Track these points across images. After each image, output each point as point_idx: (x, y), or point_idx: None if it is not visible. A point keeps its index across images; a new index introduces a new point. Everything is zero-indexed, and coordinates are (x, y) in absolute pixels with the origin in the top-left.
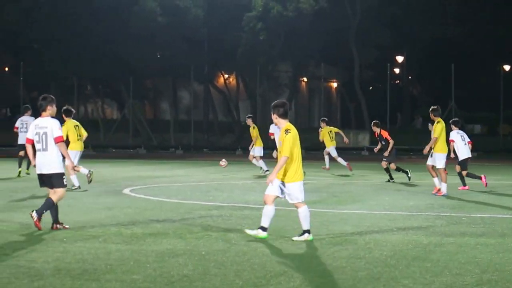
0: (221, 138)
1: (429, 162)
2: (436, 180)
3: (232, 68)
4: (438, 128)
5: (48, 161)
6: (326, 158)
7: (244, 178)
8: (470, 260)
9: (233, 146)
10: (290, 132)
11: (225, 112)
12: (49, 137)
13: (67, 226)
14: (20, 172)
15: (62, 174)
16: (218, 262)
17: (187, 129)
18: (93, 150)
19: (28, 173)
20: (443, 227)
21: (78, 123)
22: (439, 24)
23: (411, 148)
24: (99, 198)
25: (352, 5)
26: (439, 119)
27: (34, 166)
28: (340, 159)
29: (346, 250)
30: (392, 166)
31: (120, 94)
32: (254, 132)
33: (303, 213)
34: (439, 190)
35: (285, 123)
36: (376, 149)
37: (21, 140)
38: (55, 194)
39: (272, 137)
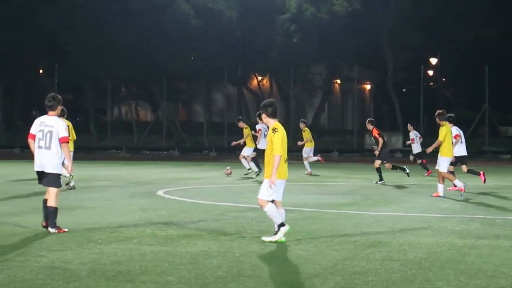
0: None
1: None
2: (457, 181)
3: (266, 70)
4: (443, 131)
5: (50, 160)
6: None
7: None
8: (504, 262)
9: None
10: (277, 131)
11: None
12: (53, 137)
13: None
14: None
15: (60, 175)
16: (252, 264)
17: (221, 131)
18: (127, 152)
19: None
20: (477, 229)
21: (70, 124)
22: (473, 25)
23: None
24: (133, 200)
25: (385, 7)
26: (445, 122)
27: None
28: (310, 160)
29: (380, 252)
30: (388, 165)
31: (153, 96)
32: (246, 132)
33: (269, 211)
34: (457, 187)
35: (273, 123)
36: (375, 151)
37: None
38: (50, 196)
39: (258, 133)
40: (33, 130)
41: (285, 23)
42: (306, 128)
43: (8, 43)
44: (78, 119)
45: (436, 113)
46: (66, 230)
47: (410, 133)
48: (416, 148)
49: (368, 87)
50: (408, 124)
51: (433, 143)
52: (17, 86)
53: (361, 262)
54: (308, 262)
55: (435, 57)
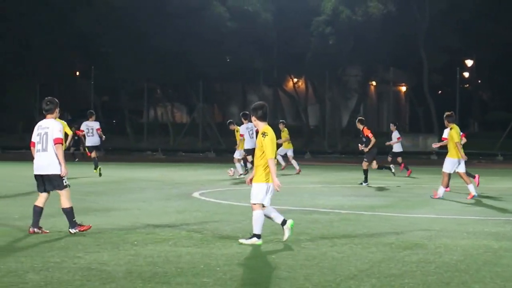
0: None
1: (460, 169)
2: (470, 186)
3: (301, 72)
4: (454, 133)
5: (47, 162)
6: (294, 162)
7: (314, 182)
8: None
9: (301, 150)
10: (267, 135)
11: (294, 116)
12: (49, 138)
13: (46, 231)
14: (100, 169)
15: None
16: (288, 265)
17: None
18: (163, 154)
19: (100, 175)
20: None
21: (65, 123)
22: (509, 27)
23: (481, 152)
24: (169, 202)
25: (421, 9)
26: (453, 125)
27: None
28: (289, 162)
29: (416, 255)
30: (374, 165)
31: (189, 98)
32: (238, 134)
33: (256, 216)
34: (473, 196)
35: (263, 126)
36: (361, 147)
37: (88, 143)
38: (61, 198)
39: (242, 138)
40: (33, 137)
41: (321, 25)
42: (285, 129)
43: (45, 46)
44: (114, 121)
45: (445, 115)
46: (90, 225)
47: (393, 133)
48: (397, 147)
49: (403, 89)
50: (391, 124)
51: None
52: (53, 88)
53: (397, 264)
54: (344, 264)
55: (471, 59)
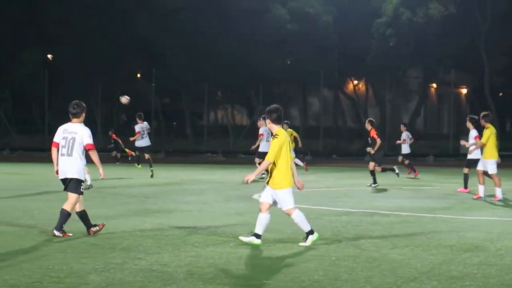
0: (349, 144)
1: (479, 167)
2: (481, 187)
3: (362, 74)
4: (486, 133)
5: (71, 166)
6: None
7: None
8: None
9: (361, 152)
10: (277, 138)
11: (354, 118)
12: (76, 143)
13: (100, 226)
14: (152, 171)
15: (81, 181)
16: (349, 267)
17: (316, 135)
18: (222, 156)
19: (152, 176)
20: None
21: None
22: None
23: None
24: (230, 204)
25: (482, 10)
26: (489, 125)
27: (57, 172)
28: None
29: (477, 257)
30: (378, 169)
31: (250, 100)
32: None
33: (297, 218)
34: (480, 196)
35: (277, 129)
36: (370, 151)
37: (141, 144)
38: (68, 201)
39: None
40: (57, 138)
41: (381, 27)
42: (289, 129)
43: (107, 49)
44: (174, 123)
45: (482, 115)
46: (70, 234)
47: (402, 134)
48: (406, 149)
49: (464, 91)
50: (402, 125)
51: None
52: (115, 91)
53: (458, 266)
54: (404, 266)
55: None
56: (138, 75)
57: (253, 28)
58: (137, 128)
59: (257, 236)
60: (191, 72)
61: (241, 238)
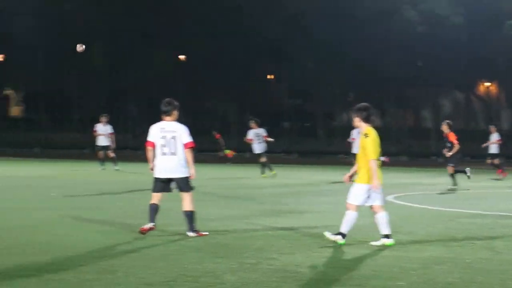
0: (479, 146)
1: None
2: None
3: (493, 76)
4: None
5: (176, 165)
6: None
7: (509, 187)
8: None
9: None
10: (369, 136)
11: (487, 121)
12: (177, 141)
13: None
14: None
15: (188, 177)
16: (484, 270)
17: None
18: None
19: (266, 177)
20: None
21: None
22: None
23: None
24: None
25: None
26: None
27: (151, 170)
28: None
29: None
30: (450, 169)
31: (381, 102)
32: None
33: (348, 216)
34: None
35: (365, 127)
36: (446, 153)
37: (258, 150)
38: (186, 200)
39: (351, 141)
40: (152, 137)
41: None
42: None
43: (238, 50)
44: (306, 124)
45: None
46: (206, 233)
47: (493, 135)
48: (494, 149)
49: None
50: (492, 126)
51: None
52: (247, 91)
53: None
54: None
55: None
56: (271, 77)
57: (383, 29)
58: (251, 134)
59: (343, 235)
60: (322, 73)
61: (325, 234)
